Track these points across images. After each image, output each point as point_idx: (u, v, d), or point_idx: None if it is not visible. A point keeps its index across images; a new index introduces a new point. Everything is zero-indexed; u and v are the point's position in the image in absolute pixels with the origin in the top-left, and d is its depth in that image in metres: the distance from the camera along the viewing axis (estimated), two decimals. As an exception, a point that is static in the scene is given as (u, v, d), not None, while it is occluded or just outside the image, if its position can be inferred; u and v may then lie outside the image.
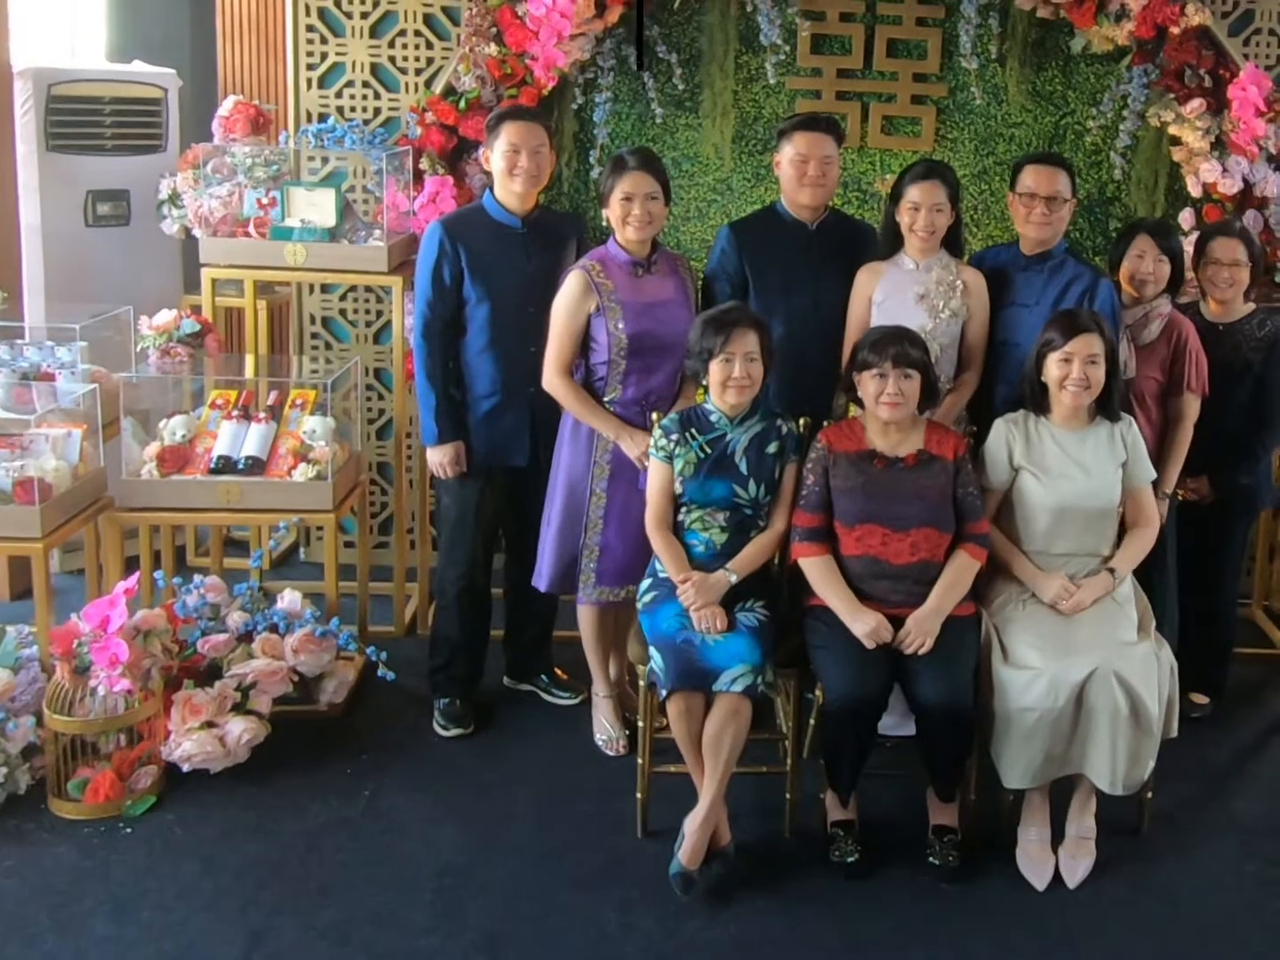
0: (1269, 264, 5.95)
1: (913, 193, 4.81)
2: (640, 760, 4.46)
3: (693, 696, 4.26)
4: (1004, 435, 4.62)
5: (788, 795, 4.51)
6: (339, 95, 6.21)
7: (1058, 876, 4.37)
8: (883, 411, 4.40)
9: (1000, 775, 4.38)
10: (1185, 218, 6.09)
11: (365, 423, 6.29)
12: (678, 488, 4.48)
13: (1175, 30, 5.90)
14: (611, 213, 4.75)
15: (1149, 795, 4.57)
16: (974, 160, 6.27)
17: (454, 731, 5.05)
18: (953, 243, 4.96)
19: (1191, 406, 5.04)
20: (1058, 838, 4.45)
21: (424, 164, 5.84)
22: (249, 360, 5.82)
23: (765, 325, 4.53)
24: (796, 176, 4.88)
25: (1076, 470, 4.55)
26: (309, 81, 6.18)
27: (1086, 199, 6.31)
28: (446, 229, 4.88)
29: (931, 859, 4.37)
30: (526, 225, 4.93)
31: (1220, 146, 5.96)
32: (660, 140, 6.23)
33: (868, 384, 4.41)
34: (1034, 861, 4.40)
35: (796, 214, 4.96)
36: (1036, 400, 4.62)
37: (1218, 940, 4.13)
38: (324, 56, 6.18)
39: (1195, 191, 6.07)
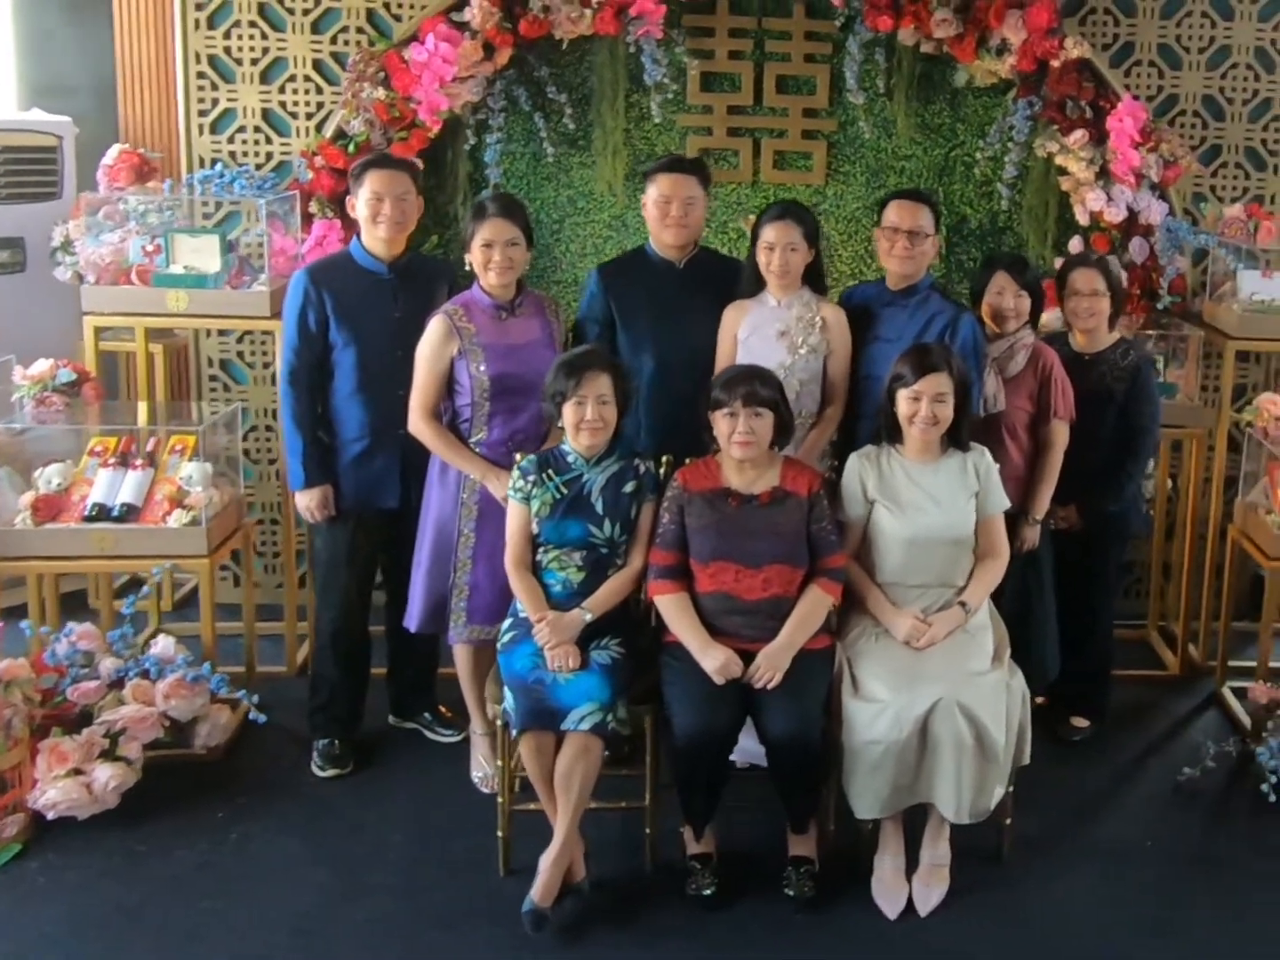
0: (1152, 289, 6.06)
1: (768, 233, 4.91)
2: (500, 799, 4.53)
3: (542, 735, 4.34)
4: (857, 470, 4.70)
5: (647, 830, 4.59)
6: (231, 140, 6.31)
7: (912, 904, 4.45)
8: (735, 450, 4.48)
9: (851, 806, 4.45)
10: (1074, 245, 6.20)
11: (267, 463, 6.40)
12: (534, 528, 4.56)
13: (1055, 63, 6.02)
14: (473, 258, 4.84)
15: (1007, 821, 4.66)
16: (866, 193, 6.38)
17: (331, 772, 5.12)
18: (815, 280, 5.05)
19: (1060, 433, 5.12)
20: (914, 866, 4.53)
21: (314, 207, 5.92)
22: (142, 407, 5.86)
23: (620, 367, 4.63)
24: (660, 217, 4.98)
25: (929, 502, 4.63)
26: (201, 127, 6.29)
27: (978, 228, 6.44)
28: (311, 276, 4.98)
29: (787, 889, 4.44)
30: (394, 271, 5.02)
31: (1106, 175, 6.06)
32: (555, 179, 6.35)
33: (720, 423, 4.49)
34: (888, 890, 4.48)
35: (664, 253, 5.06)
36: (890, 433, 4.68)
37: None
38: (215, 102, 6.29)
39: (1083, 220, 6.18)
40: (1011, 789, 4.59)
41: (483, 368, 4.78)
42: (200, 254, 5.67)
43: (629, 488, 4.60)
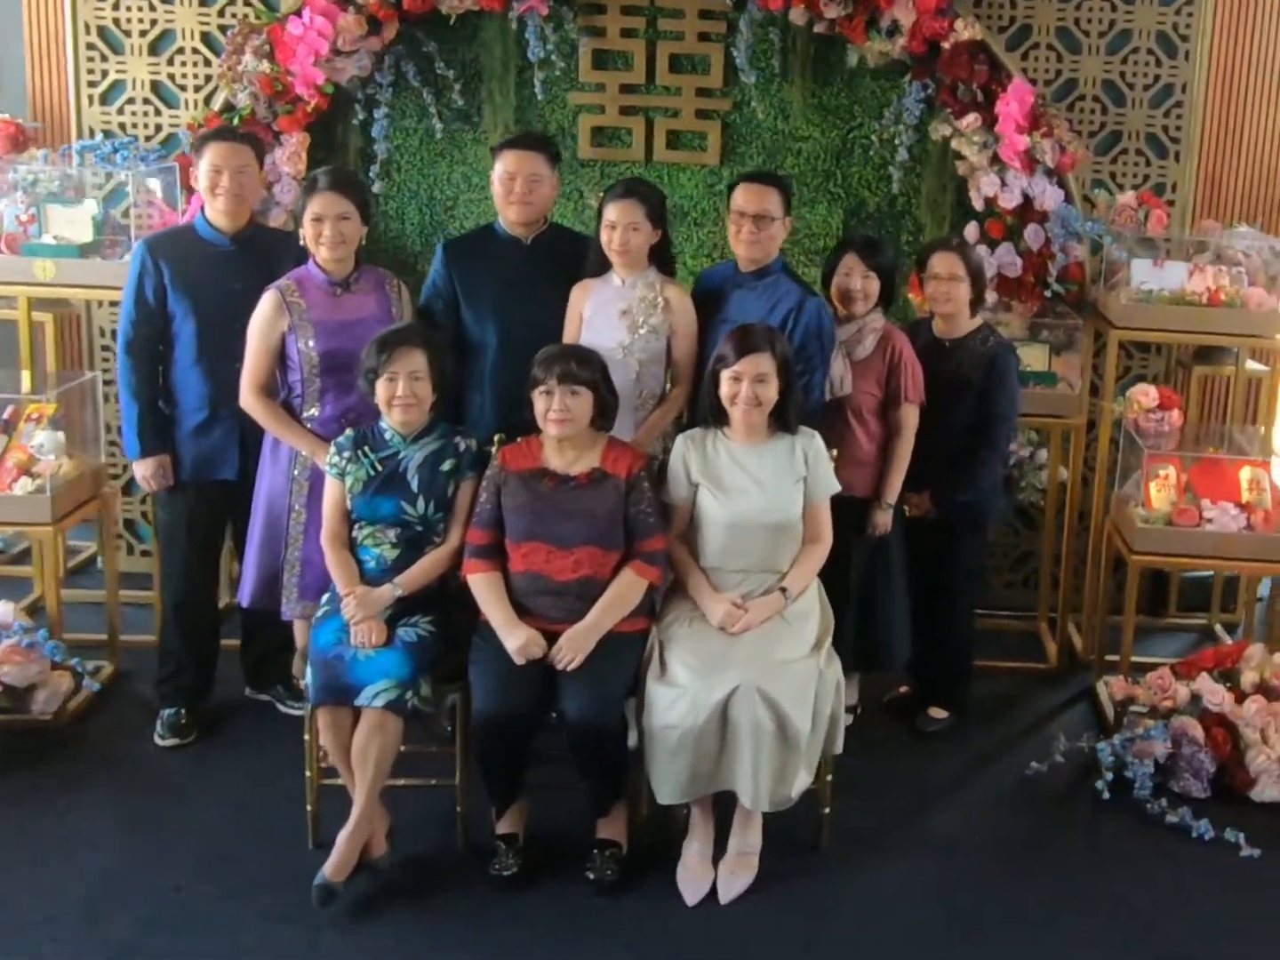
0: (1044, 277, 5.94)
1: (609, 211, 4.85)
2: (309, 772, 4.50)
3: (337, 710, 4.31)
4: (681, 452, 4.64)
5: (458, 808, 4.55)
6: (121, 112, 6.29)
7: (715, 892, 4.39)
8: (550, 428, 4.44)
9: (654, 791, 4.39)
10: (969, 231, 6.07)
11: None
12: (348, 504, 4.52)
13: (946, 45, 5.92)
14: (305, 233, 4.81)
15: (825, 811, 4.61)
16: (762, 174, 6.23)
17: (171, 741, 5.12)
18: (662, 261, 5.00)
19: (910, 417, 5.06)
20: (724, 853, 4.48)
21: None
22: (25, 375, 5.85)
23: (437, 345, 4.59)
24: (504, 194, 4.94)
25: (752, 486, 4.56)
26: (91, 98, 6.27)
27: (876, 211, 6.35)
28: (149, 246, 4.97)
29: (589, 873, 4.38)
30: (235, 244, 4.99)
31: (1000, 160, 5.93)
32: (447, 155, 6.30)
33: (538, 401, 4.45)
34: (691, 876, 4.42)
35: (511, 230, 5.01)
36: (715, 415, 4.62)
37: (851, 957, 4.18)
38: (105, 73, 6.26)
39: (978, 205, 6.07)
40: (830, 778, 4.56)
41: (312, 343, 4.75)
42: (73, 224, 5.68)
43: (447, 466, 4.56)
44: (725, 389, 4.53)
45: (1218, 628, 6.40)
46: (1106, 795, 4.88)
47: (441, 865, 4.48)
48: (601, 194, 5.01)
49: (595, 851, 4.43)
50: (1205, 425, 6.11)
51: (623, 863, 4.42)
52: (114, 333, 6.06)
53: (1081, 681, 5.94)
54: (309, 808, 4.49)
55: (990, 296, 5.94)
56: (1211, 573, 6.33)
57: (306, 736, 4.48)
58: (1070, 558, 6.16)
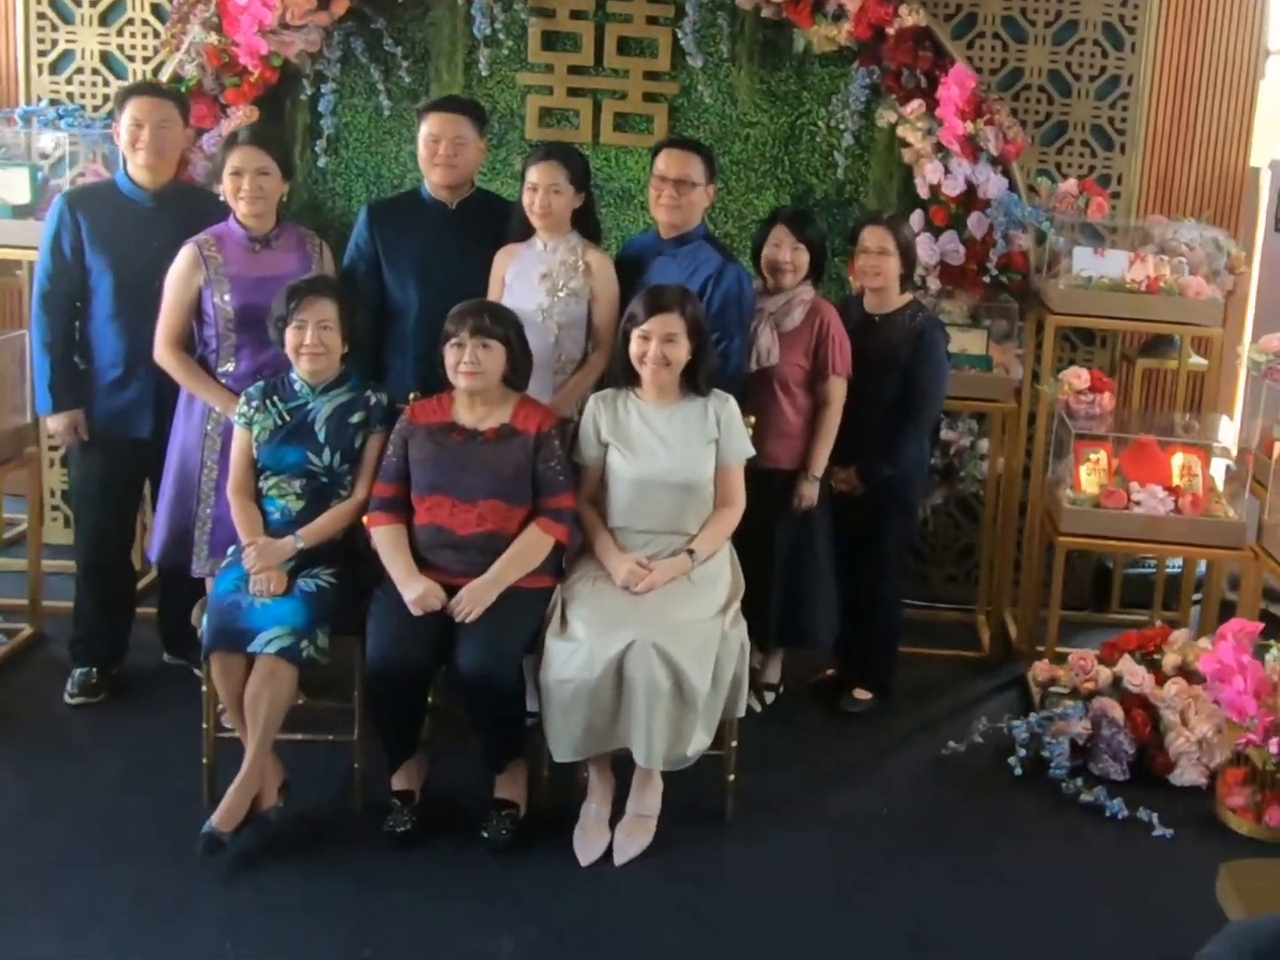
0: (984, 265, 5.83)
1: (531, 174, 4.77)
2: (205, 725, 4.38)
3: (229, 657, 4.21)
4: (592, 412, 4.54)
5: (356, 765, 4.43)
6: (70, 82, 6.23)
7: (609, 854, 4.26)
8: (461, 380, 4.35)
9: (550, 748, 4.26)
10: (915, 219, 5.95)
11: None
12: (254, 454, 4.42)
13: (891, 31, 5.81)
14: (225, 187, 4.72)
15: (730, 778, 4.49)
16: (711, 159, 6.13)
17: (79, 700, 5.00)
18: (585, 225, 4.90)
19: (837, 389, 4.96)
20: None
21: (139, 146, 5.77)
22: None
23: (348, 298, 4.51)
24: (429, 156, 4.85)
25: (660, 446, 4.46)
26: (40, 67, 6.21)
27: (824, 198, 6.23)
28: (69, 200, 4.87)
29: (484, 832, 4.26)
30: (157, 200, 4.88)
31: (945, 148, 5.83)
32: (395, 133, 6.20)
33: (449, 354, 4.36)
34: (587, 837, 4.30)
35: (436, 194, 4.92)
36: (627, 375, 4.52)
37: (739, 926, 4.03)
38: (54, 43, 6.20)
39: (923, 192, 5.97)
40: (735, 744, 4.46)
41: (228, 298, 4.67)
42: (10, 187, 5.62)
43: (356, 418, 4.47)
44: (635, 348, 4.44)
45: (1158, 623, 6.21)
46: (1019, 772, 4.79)
47: (336, 822, 4.37)
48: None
49: (491, 811, 4.31)
50: (1148, 414, 5.92)
51: (519, 823, 4.30)
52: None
53: (1012, 670, 5.76)
54: (204, 760, 4.38)
55: (934, 283, 5.85)
56: (1154, 569, 6.16)
57: (204, 688, 4.37)
58: (1008, 548, 6.01)
